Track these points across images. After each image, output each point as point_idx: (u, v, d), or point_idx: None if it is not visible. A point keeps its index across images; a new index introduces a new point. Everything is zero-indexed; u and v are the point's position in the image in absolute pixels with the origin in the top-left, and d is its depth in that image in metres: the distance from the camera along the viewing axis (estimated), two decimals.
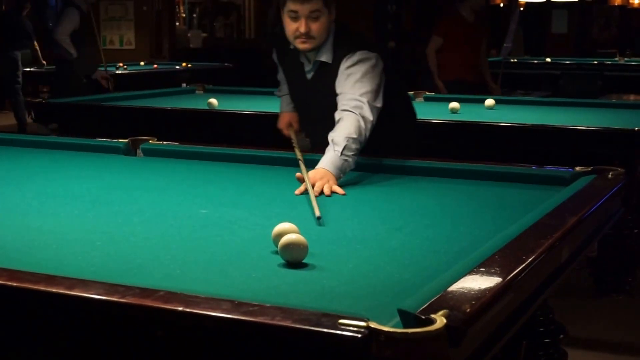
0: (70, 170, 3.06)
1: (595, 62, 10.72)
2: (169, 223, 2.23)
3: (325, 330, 1.27)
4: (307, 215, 2.30)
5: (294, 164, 2.97)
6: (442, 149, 3.69)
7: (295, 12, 2.92)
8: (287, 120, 3.49)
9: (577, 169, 2.74)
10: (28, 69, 10.27)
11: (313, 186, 2.53)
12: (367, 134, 2.80)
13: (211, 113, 4.83)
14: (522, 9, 14.71)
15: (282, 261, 1.83)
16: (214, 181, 2.88)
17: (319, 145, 2.95)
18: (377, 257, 1.93)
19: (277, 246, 1.85)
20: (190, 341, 1.37)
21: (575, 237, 2.06)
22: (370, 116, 2.81)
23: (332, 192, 2.56)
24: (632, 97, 7.38)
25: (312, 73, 3.11)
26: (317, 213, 2.22)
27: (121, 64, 9.69)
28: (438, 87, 6.63)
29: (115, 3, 13.20)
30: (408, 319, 1.35)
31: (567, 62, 10.61)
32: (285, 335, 1.31)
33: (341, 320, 1.28)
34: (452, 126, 4.10)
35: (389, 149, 3.12)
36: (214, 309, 1.36)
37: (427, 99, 5.46)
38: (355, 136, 2.73)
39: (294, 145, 3.11)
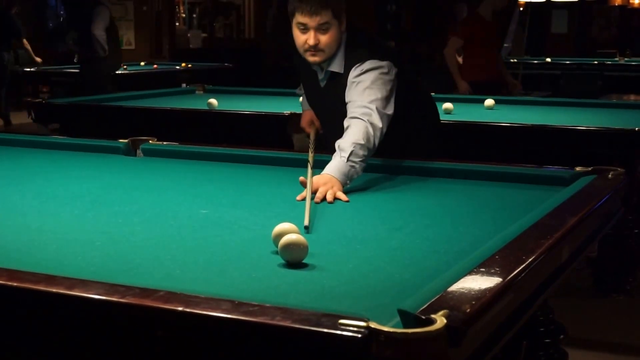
0: (70, 170, 3.06)
1: (596, 62, 10.72)
2: (169, 223, 2.23)
3: (326, 330, 1.27)
4: (310, 215, 2.30)
5: (294, 164, 2.97)
6: (442, 149, 3.68)
7: (304, 24, 2.88)
8: (308, 119, 3.47)
9: (577, 169, 2.74)
10: (28, 69, 10.27)
11: (316, 192, 2.49)
12: (377, 141, 2.73)
13: (211, 113, 4.83)
14: (522, 9, 14.71)
15: (282, 261, 1.83)
16: (214, 181, 2.88)
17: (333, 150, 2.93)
18: (377, 257, 1.93)
19: (277, 246, 1.85)
20: (190, 341, 1.37)
21: (575, 237, 2.06)
22: (379, 123, 2.74)
23: (336, 199, 2.50)
24: (632, 97, 7.38)
25: (325, 82, 3.08)
26: (306, 222, 2.16)
27: (121, 64, 9.68)
28: (461, 89, 6.53)
29: (115, 3, 13.17)
30: (408, 319, 1.35)
31: (567, 62, 10.61)
32: (285, 335, 1.31)
33: (341, 321, 1.28)
34: (452, 126, 4.10)
35: (412, 152, 3.11)
36: (214, 309, 1.36)
37: None
38: (362, 142, 2.67)
39: (310, 145, 3.07)
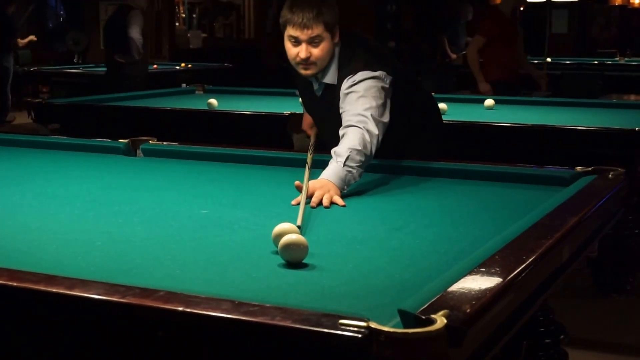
0: (70, 170, 3.06)
1: (596, 62, 10.72)
2: (169, 223, 2.23)
3: (326, 330, 1.27)
4: (307, 215, 2.30)
5: (294, 164, 2.97)
6: (443, 149, 3.68)
7: (296, 37, 2.85)
8: (310, 121, 3.45)
9: (578, 169, 2.74)
10: (28, 69, 10.27)
11: (312, 196, 2.47)
12: (374, 148, 2.70)
13: (211, 113, 4.83)
14: (522, 8, 14.71)
15: (282, 261, 1.83)
16: (214, 181, 2.88)
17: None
18: (377, 257, 1.93)
19: (277, 246, 1.85)
20: (190, 341, 1.37)
21: (575, 237, 2.06)
22: (375, 130, 2.71)
23: (332, 203, 2.47)
24: (632, 97, 7.37)
25: (320, 91, 3.06)
26: (298, 222, 2.15)
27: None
28: (482, 89, 6.42)
29: (114, 3, 13.18)
30: (408, 319, 1.35)
31: (567, 62, 10.61)
32: (286, 335, 1.31)
33: (341, 321, 1.28)
34: (452, 126, 4.09)
35: (413, 152, 3.10)
36: (214, 309, 1.36)
37: None
38: (359, 148, 2.64)
39: (310, 147, 3.07)
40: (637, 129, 3.80)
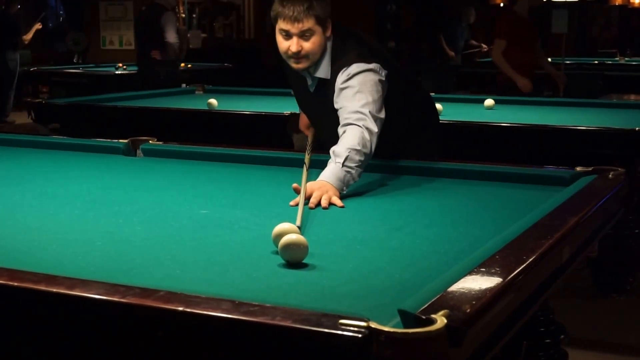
0: (70, 170, 3.06)
1: (596, 62, 10.72)
2: (169, 223, 2.23)
3: (326, 330, 1.27)
4: (306, 215, 2.30)
5: (294, 164, 2.97)
6: (442, 149, 3.68)
7: (287, 31, 2.82)
8: (306, 121, 3.43)
9: (578, 169, 2.74)
10: (28, 69, 10.27)
11: (310, 197, 2.45)
12: (373, 146, 2.68)
13: (211, 113, 4.83)
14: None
15: (282, 261, 1.83)
16: (214, 181, 2.88)
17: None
18: (378, 257, 1.93)
19: (277, 246, 1.85)
20: (190, 341, 1.37)
21: (575, 237, 2.06)
22: (374, 128, 2.70)
23: (331, 204, 2.45)
24: (632, 97, 7.37)
25: (314, 87, 3.04)
26: (298, 222, 2.15)
27: (121, 65, 9.68)
28: (522, 86, 6.35)
29: (114, 3, 13.20)
30: (408, 319, 1.35)
31: (567, 62, 10.60)
32: (286, 335, 1.31)
33: (341, 321, 1.28)
34: (453, 126, 4.10)
35: (411, 152, 3.08)
36: (214, 309, 1.36)
37: None
38: (358, 148, 2.62)
39: (307, 147, 3.06)
40: (637, 128, 3.80)
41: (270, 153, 3.19)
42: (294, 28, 2.80)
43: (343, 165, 2.57)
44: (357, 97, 2.76)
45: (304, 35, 2.82)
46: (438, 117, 3.45)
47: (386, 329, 1.26)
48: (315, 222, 2.26)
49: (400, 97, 3.01)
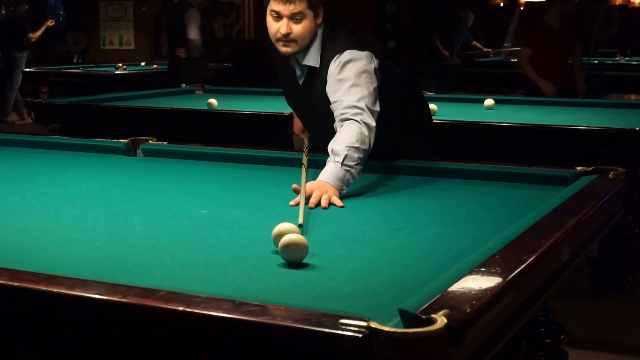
0: (70, 171, 3.06)
1: (596, 61, 10.71)
2: (169, 223, 2.23)
3: (326, 330, 1.27)
4: (307, 215, 2.30)
5: (294, 164, 2.97)
6: (442, 149, 3.68)
7: (278, 12, 2.79)
8: (300, 125, 3.40)
9: (578, 168, 2.74)
10: (28, 69, 10.28)
11: (309, 197, 2.44)
12: (371, 142, 2.66)
13: (211, 113, 4.82)
14: (522, 8, 14.69)
15: (283, 261, 1.83)
16: (214, 181, 2.88)
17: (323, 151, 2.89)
18: (378, 257, 1.93)
19: (277, 246, 1.85)
20: (191, 341, 1.37)
21: (576, 237, 2.06)
22: (372, 122, 2.68)
23: (331, 204, 2.44)
24: (633, 97, 7.38)
25: (302, 79, 3.00)
26: (300, 221, 2.15)
27: (121, 65, 9.69)
28: (545, 90, 6.37)
29: (114, 3, 13.20)
30: (408, 319, 1.35)
31: (568, 61, 10.58)
32: (286, 335, 1.31)
33: (342, 320, 1.28)
34: (453, 126, 4.10)
35: (403, 152, 3.07)
36: (214, 309, 1.36)
37: None
38: (357, 145, 2.60)
39: (304, 149, 3.05)
40: (637, 128, 3.80)
41: (270, 153, 3.19)
42: (285, 9, 2.78)
43: (342, 164, 2.56)
44: (352, 90, 2.73)
45: (294, 17, 2.80)
46: (430, 115, 3.43)
47: (386, 328, 1.26)
48: (315, 222, 2.26)
49: (393, 95, 2.99)
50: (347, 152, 2.58)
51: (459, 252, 1.92)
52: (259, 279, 1.73)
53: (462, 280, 1.53)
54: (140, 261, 1.84)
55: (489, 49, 11.86)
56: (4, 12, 11.55)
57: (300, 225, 2.12)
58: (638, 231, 4.20)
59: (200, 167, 3.12)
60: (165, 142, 3.37)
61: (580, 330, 3.58)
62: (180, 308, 1.37)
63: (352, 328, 1.26)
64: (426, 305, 1.37)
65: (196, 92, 6.09)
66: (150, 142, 3.35)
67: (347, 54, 2.80)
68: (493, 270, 1.61)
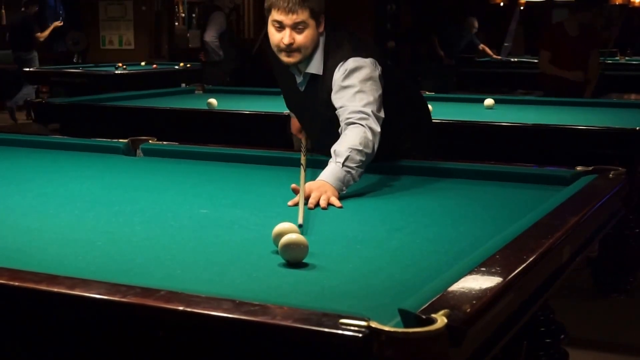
0: (71, 170, 3.06)
1: None
2: (169, 223, 2.23)
3: (326, 329, 1.27)
4: (306, 215, 2.30)
5: (294, 164, 2.97)
6: (442, 149, 3.69)
7: (280, 22, 2.77)
8: (298, 125, 3.39)
9: (578, 168, 2.74)
10: (28, 69, 10.28)
11: (309, 197, 2.43)
12: (375, 147, 2.66)
13: (211, 113, 4.83)
14: (522, 8, 14.70)
15: (283, 261, 1.83)
16: (214, 181, 2.88)
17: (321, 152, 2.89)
18: (378, 257, 1.93)
19: (277, 246, 1.85)
20: (191, 341, 1.36)
21: (576, 237, 2.06)
22: (377, 127, 2.67)
23: (330, 205, 2.43)
24: (633, 97, 7.37)
25: (304, 85, 2.99)
26: (300, 221, 2.15)
27: (120, 64, 9.68)
28: (575, 76, 6.48)
29: (114, 3, 13.19)
30: (409, 318, 1.35)
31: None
32: (286, 334, 1.31)
33: (342, 320, 1.28)
34: (453, 126, 4.09)
35: (403, 153, 3.07)
36: (215, 309, 1.36)
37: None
38: (360, 148, 2.59)
39: (302, 149, 3.05)
40: (637, 128, 3.80)
41: (270, 153, 3.19)
42: (287, 19, 2.76)
43: (343, 165, 2.55)
44: (358, 96, 2.73)
45: (297, 27, 2.78)
46: (430, 115, 3.43)
47: (387, 328, 1.26)
48: (315, 221, 2.26)
49: (393, 95, 2.98)
50: (349, 154, 2.57)
51: (459, 251, 1.92)
52: (259, 279, 1.73)
53: (463, 280, 1.53)
54: (141, 261, 1.84)
55: (499, 56, 11.84)
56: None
57: (300, 226, 2.12)
58: (638, 231, 4.20)
59: (200, 167, 3.12)
60: (165, 142, 3.37)
61: (581, 330, 3.58)
62: (181, 308, 1.37)
63: (352, 328, 1.26)
64: (426, 305, 1.37)
65: (196, 92, 6.09)
66: (150, 142, 3.35)
67: (352, 62, 2.80)
68: (493, 270, 1.61)
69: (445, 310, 1.33)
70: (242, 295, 1.45)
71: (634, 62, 10.77)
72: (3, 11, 13.20)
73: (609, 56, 11.56)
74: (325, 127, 2.85)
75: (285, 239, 1.83)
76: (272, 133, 4.37)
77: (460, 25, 11.67)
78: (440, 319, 1.29)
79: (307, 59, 2.88)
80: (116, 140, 3.39)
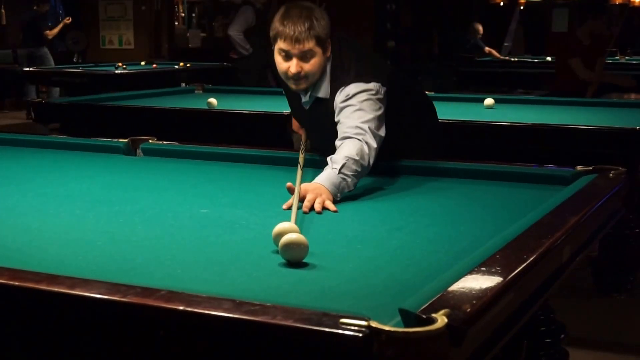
0: (71, 170, 3.06)
1: None
2: (170, 223, 2.23)
3: (327, 329, 1.27)
4: (306, 215, 2.30)
5: (294, 163, 2.96)
6: (443, 149, 3.68)
7: (287, 51, 2.74)
8: (298, 123, 3.42)
9: (578, 168, 2.74)
10: (27, 69, 10.27)
11: (304, 198, 2.41)
12: (372, 160, 2.65)
13: (211, 113, 4.82)
14: (522, 7, 14.70)
15: (283, 261, 1.83)
16: (214, 181, 2.88)
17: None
18: (378, 257, 1.93)
19: (277, 246, 1.85)
20: (191, 340, 1.36)
21: (576, 236, 2.06)
22: (373, 143, 2.66)
23: (324, 209, 2.41)
24: (633, 96, 7.37)
25: (309, 105, 2.99)
26: (292, 220, 2.13)
27: (120, 64, 9.68)
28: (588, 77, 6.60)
29: (114, 3, 13.19)
30: (409, 318, 1.35)
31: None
32: (287, 334, 1.30)
33: (342, 320, 1.28)
34: (453, 126, 4.09)
35: (412, 154, 3.07)
36: (215, 309, 1.36)
37: None
38: (356, 158, 2.58)
39: (302, 147, 3.05)
40: (637, 128, 3.80)
41: (270, 153, 3.19)
42: (294, 49, 2.74)
43: (339, 171, 2.53)
44: (357, 114, 2.72)
45: (304, 56, 2.76)
46: (436, 118, 3.42)
47: (387, 328, 1.26)
48: (315, 221, 2.26)
49: (398, 101, 2.98)
50: (345, 162, 2.56)
51: (460, 251, 1.92)
52: (259, 279, 1.73)
53: (463, 279, 1.53)
54: (141, 261, 1.84)
55: (507, 57, 11.83)
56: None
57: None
58: (638, 231, 4.20)
59: (200, 167, 3.12)
60: (165, 142, 3.37)
61: (581, 330, 3.58)
62: (181, 307, 1.37)
63: (352, 327, 1.26)
64: (427, 305, 1.37)
65: (196, 91, 6.09)
66: (150, 141, 3.35)
67: (353, 87, 2.78)
68: (493, 270, 1.61)
69: (446, 310, 1.33)
70: (243, 295, 1.45)
71: (634, 62, 10.76)
72: (3, 11, 13.20)
73: (609, 56, 11.58)
74: (327, 137, 2.84)
75: (285, 238, 1.83)
76: (272, 133, 4.37)
77: (465, 29, 11.67)
78: (441, 319, 1.29)
79: (315, 84, 2.88)
80: (116, 140, 3.39)
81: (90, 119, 4.96)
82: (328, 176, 2.53)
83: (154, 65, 9.82)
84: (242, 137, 4.20)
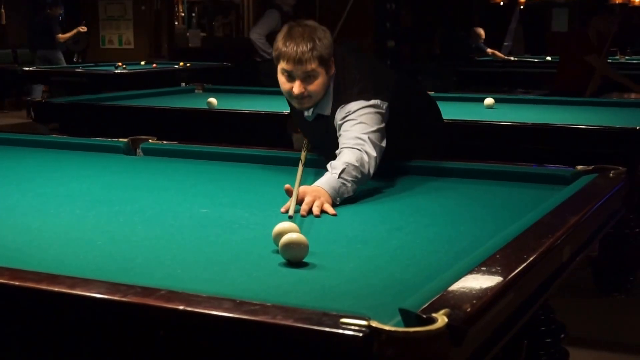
0: (71, 170, 3.06)
1: None
2: (170, 223, 2.23)
3: (327, 329, 1.27)
4: (306, 215, 2.30)
5: (294, 163, 2.96)
6: (446, 149, 3.68)
7: (289, 72, 2.73)
8: None
9: (579, 167, 2.74)
10: (27, 68, 10.27)
11: (302, 201, 2.39)
12: (372, 170, 2.64)
13: (211, 112, 4.82)
14: (522, 7, 14.71)
15: (283, 260, 1.83)
16: (214, 180, 2.88)
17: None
18: (378, 257, 1.93)
19: (277, 245, 1.85)
20: (191, 340, 1.36)
21: (576, 236, 2.06)
22: (373, 153, 2.66)
23: (323, 212, 2.38)
24: (633, 96, 7.37)
25: (311, 119, 2.98)
26: (291, 212, 2.16)
27: (120, 64, 9.68)
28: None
29: (114, 2, 13.18)
30: (409, 318, 1.35)
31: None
32: (287, 334, 1.30)
33: (343, 320, 1.28)
34: (453, 126, 4.09)
35: (416, 155, 3.07)
36: (215, 308, 1.36)
37: None
38: (356, 164, 2.56)
39: (304, 145, 3.04)
40: (638, 127, 3.80)
41: (270, 152, 3.19)
42: (297, 70, 2.73)
43: (339, 176, 2.52)
44: (357, 127, 2.72)
45: (307, 77, 2.75)
46: (441, 120, 3.41)
47: (387, 327, 1.26)
48: (315, 221, 2.26)
49: (406, 107, 2.98)
50: (345, 167, 2.55)
51: (460, 251, 1.92)
52: (259, 278, 1.73)
53: (463, 279, 1.53)
54: (141, 260, 1.84)
55: (510, 57, 11.82)
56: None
57: (290, 217, 2.14)
58: (638, 230, 4.20)
59: (200, 166, 3.12)
60: (165, 142, 3.37)
61: (581, 330, 3.58)
62: (181, 307, 1.37)
63: (352, 327, 1.26)
64: (427, 305, 1.37)
65: (196, 91, 6.09)
66: (150, 141, 3.35)
67: (354, 105, 2.77)
68: (494, 270, 1.61)
69: (446, 309, 1.33)
70: (243, 294, 1.45)
71: (634, 61, 10.76)
72: (3, 10, 13.20)
73: (609, 56, 11.58)
74: (329, 148, 2.84)
75: (285, 238, 1.83)
76: (272, 133, 4.38)
77: (466, 30, 11.66)
78: (441, 319, 1.29)
79: (318, 102, 2.87)
80: (116, 139, 3.39)
81: (90, 118, 4.96)
82: (328, 180, 2.51)
83: (154, 65, 9.82)
84: (242, 137, 4.20)
